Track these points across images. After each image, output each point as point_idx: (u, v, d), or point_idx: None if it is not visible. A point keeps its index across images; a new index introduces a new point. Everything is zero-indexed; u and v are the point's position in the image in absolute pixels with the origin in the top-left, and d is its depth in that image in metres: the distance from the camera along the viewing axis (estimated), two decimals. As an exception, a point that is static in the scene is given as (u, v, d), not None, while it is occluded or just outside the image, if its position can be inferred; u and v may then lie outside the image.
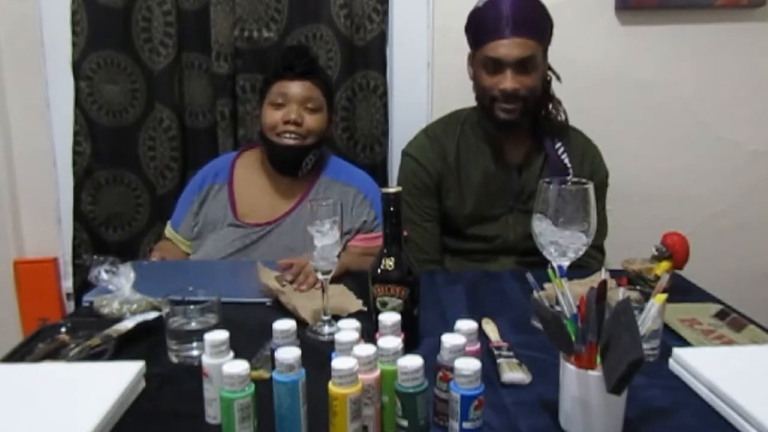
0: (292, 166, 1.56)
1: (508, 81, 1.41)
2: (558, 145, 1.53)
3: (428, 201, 1.55)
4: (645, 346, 0.89)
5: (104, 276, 1.15)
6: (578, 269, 1.17)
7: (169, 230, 1.66)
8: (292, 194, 1.60)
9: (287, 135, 1.52)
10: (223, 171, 1.64)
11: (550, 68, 1.52)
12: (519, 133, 1.53)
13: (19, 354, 0.97)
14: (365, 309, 1.07)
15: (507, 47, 1.40)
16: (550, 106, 1.53)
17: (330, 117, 1.61)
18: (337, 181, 1.61)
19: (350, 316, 1.09)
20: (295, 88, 1.52)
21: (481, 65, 1.46)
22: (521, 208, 1.53)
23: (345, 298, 1.20)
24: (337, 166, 1.66)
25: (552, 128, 1.54)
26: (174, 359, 0.98)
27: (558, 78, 1.54)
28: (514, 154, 1.55)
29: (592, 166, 1.55)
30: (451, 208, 1.55)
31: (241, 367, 0.73)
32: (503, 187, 1.54)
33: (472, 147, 1.55)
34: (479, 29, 1.45)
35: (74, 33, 1.83)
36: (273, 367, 0.75)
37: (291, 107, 1.52)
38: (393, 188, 0.98)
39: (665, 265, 1.23)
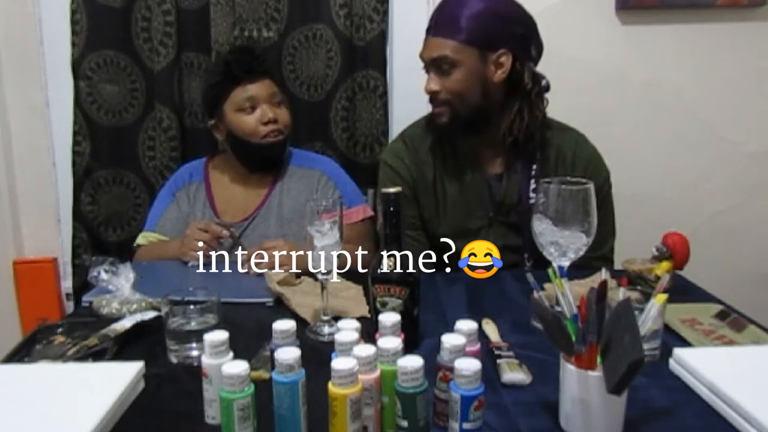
0: (272, 162, 1.63)
1: (427, 82, 1.40)
2: (534, 167, 1.43)
3: (409, 209, 1.48)
4: (645, 346, 0.88)
5: (104, 276, 1.15)
6: (580, 270, 1.17)
7: (145, 236, 1.62)
8: (262, 186, 1.63)
9: (271, 135, 1.55)
10: (197, 172, 1.68)
11: (518, 76, 1.38)
12: (487, 142, 1.45)
13: (18, 355, 0.97)
14: (369, 316, 1.06)
15: (424, 48, 1.40)
16: (515, 116, 1.40)
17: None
18: (302, 167, 1.66)
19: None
20: (258, 88, 1.55)
21: None
22: (502, 220, 1.46)
23: (352, 302, 1.18)
24: (301, 154, 1.73)
25: (525, 146, 1.42)
26: (173, 359, 0.97)
27: (547, 88, 1.42)
28: (492, 164, 1.48)
29: (587, 171, 1.44)
30: (428, 220, 1.49)
31: (240, 367, 0.73)
32: (481, 198, 1.47)
33: (449, 155, 1.49)
34: None
35: (74, 33, 1.83)
36: (273, 368, 0.75)
37: (263, 108, 1.55)
38: (393, 188, 0.98)
39: (666, 265, 1.23)
